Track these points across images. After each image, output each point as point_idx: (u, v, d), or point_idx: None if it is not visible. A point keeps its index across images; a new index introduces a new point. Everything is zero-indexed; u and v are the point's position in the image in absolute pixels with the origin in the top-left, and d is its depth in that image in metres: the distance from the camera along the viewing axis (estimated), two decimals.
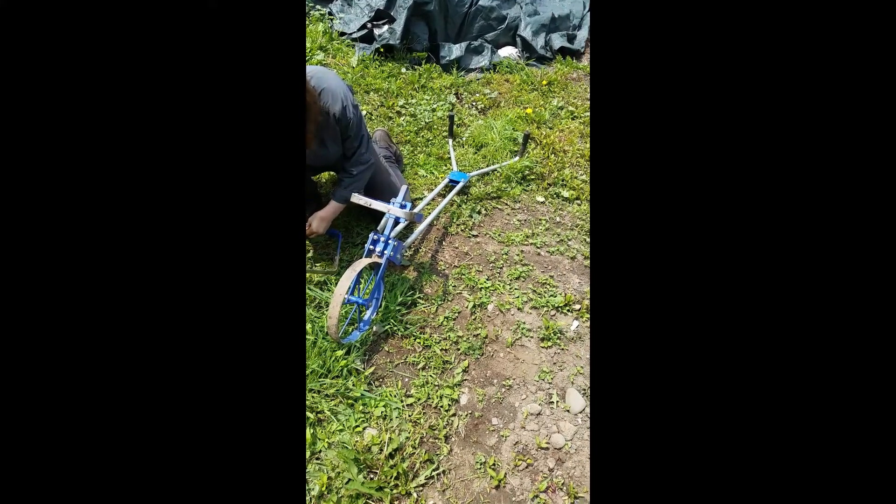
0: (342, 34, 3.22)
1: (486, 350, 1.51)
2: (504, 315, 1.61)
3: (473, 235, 1.92)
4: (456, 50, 3.02)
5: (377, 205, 1.44)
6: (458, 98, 2.78)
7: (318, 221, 1.64)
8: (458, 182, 2.06)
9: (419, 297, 1.64)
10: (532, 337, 1.55)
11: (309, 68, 1.51)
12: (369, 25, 3.20)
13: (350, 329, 1.50)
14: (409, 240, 1.66)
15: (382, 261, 1.48)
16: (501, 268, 1.78)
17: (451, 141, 2.39)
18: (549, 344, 1.53)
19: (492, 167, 2.24)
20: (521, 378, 1.44)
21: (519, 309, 1.63)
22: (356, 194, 1.45)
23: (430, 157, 2.31)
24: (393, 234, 1.54)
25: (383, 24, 3.19)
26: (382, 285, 1.58)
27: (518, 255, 1.83)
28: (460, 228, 1.95)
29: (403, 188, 1.58)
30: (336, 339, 1.38)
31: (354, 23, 3.24)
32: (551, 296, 1.67)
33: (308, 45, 2.98)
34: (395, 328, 1.53)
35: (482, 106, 2.73)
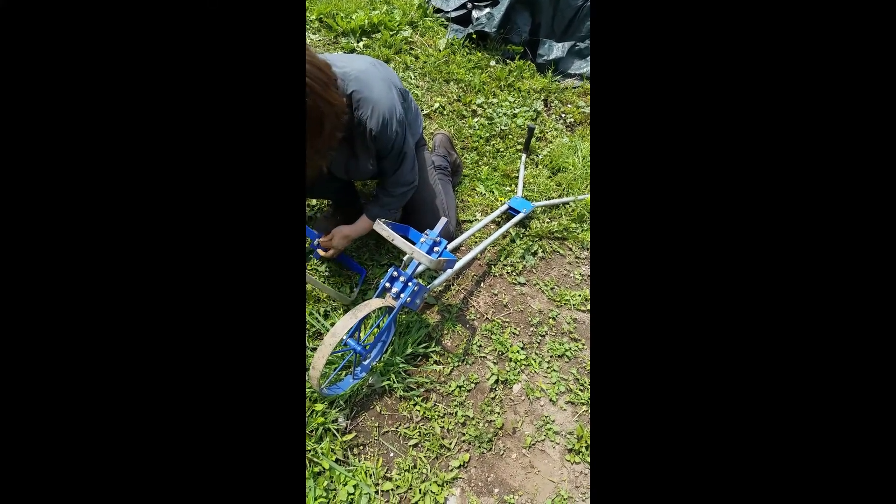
0: (438, 11, 2.92)
1: (496, 445, 1.20)
2: (531, 403, 1.28)
3: (520, 283, 1.59)
4: (557, 49, 2.61)
5: (400, 242, 1.15)
6: (545, 106, 2.40)
7: (340, 238, 1.38)
8: (518, 212, 1.72)
9: (434, 351, 1.35)
10: (558, 443, 1.21)
11: (354, 64, 1.23)
12: (469, 6, 2.87)
13: (342, 375, 1.26)
14: (438, 281, 1.37)
15: (396, 304, 1.20)
16: (543, 336, 1.44)
17: (524, 157, 2.04)
18: (578, 459, 1.18)
19: (564, 199, 1.87)
20: (529, 496, 1.12)
21: (552, 401, 1.29)
22: (380, 222, 1.17)
23: (496, 172, 1.98)
24: (415, 274, 1.25)
25: (484, 6, 2.85)
26: (393, 328, 1.30)
27: (569, 323, 1.48)
28: (506, 270, 1.62)
29: (442, 221, 1.28)
30: (318, 389, 1.13)
31: (454, 1, 2.92)
32: None
33: (397, 18, 2.71)
34: (395, 386, 1.26)
35: (572, 120, 2.33)
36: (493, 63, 2.57)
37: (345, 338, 1.17)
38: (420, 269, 1.31)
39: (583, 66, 2.64)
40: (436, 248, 1.26)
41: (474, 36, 2.67)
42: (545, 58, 2.60)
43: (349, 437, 1.16)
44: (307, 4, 2.63)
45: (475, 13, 2.79)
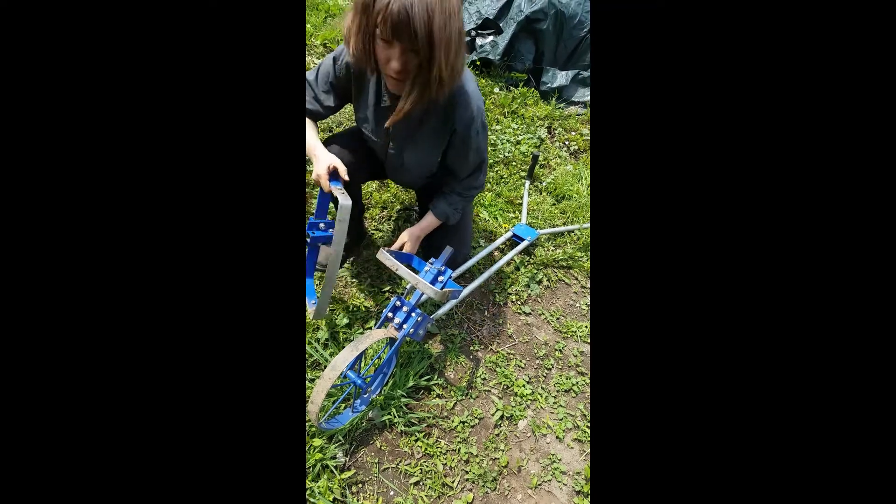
0: None
1: (500, 484, 1.15)
2: (537, 440, 1.24)
3: (525, 313, 1.55)
4: (561, 77, 2.64)
5: (404, 272, 1.13)
6: (549, 133, 2.41)
7: (413, 241, 1.31)
8: (522, 239, 1.70)
9: (437, 384, 1.31)
10: (565, 484, 1.16)
11: None
12: (473, 34, 2.92)
13: (342, 408, 1.21)
14: (442, 310, 1.34)
15: (399, 336, 1.17)
16: (550, 370, 1.40)
17: (527, 184, 2.03)
18: (587, 502, 1.13)
19: (569, 227, 1.86)
20: None
21: (558, 438, 1.24)
22: (384, 251, 1.15)
23: (499, 198, 1.97)
24: (418, 304, 1.22)
25: (488, 34, 2.89)
26: (395, 360, 1.27)
27: (576, 355, 1.44)
28: (511, 299, 1.59)
29: (448, 251, 1.26)
30: (316, 424, 1.09)
31: None
32: None
33: None
34: (396, 420, 1.21)
35: (575, 148, 2.33)
36: (496, 90, 2.59)
37: (345, 370, 1.14)
38: (423, 298, 1.28)
39: (586, 94, 2.66)
40: (440, 278, 1.24)
41: (478, 63, 2.71)
42: (549, 85, 2.63)
43: (348, 474, 1.11)
44: (312, 30, 2.66)
45: (479, 41, 2.83)
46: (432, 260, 1.26)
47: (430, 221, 1.34)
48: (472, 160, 1.24)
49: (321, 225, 1.26)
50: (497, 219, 1.87)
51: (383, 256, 1.15)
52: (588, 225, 1.88)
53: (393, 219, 1.80)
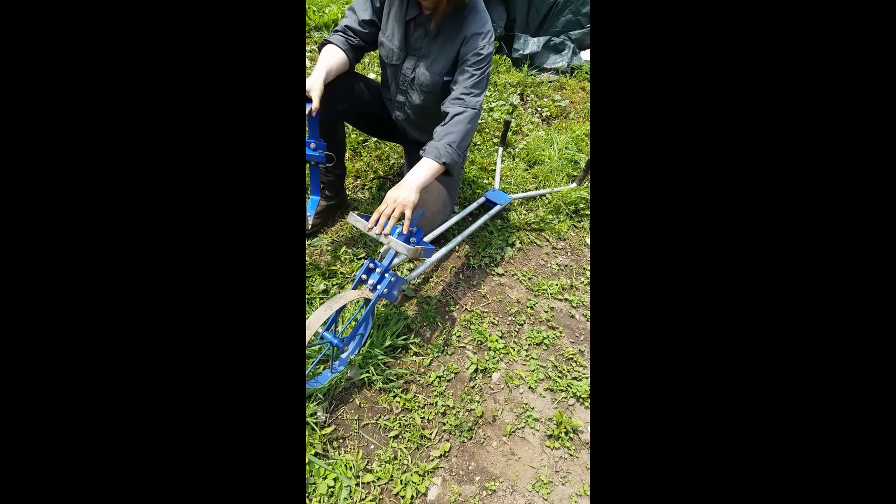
0: None
1: (476, 433, 1.20)
2: (510, 391, 1.29)
3: (498, 273, 1.59)
4: (532, 44, 2.63)
5: (375, 233, 1.15)
6: (521, 100, 2.41)
7: (405, 190, 1.15)
8: (495, 204, 1.73)
9: (413, 342, 1.35)
10: (538, 430, 1.22)
11: None
12: None
13: (321, 369, 1.24)
14: (416, 272, 1.37)
15: (373, 296, 1.20)
16: (522, 325, 1.45)
17: (500, 150, 2.05)
18: (558, 445, 1.20)
19: (540, 191, 1.89)
20: (510, 482, 1.13)
21: (531, 388, 1.30)
22: (353, 214, 1.16)
23: (473, 165, 1.98)
24: (392, 266, 1.25)
25: None
26: (371, 321, 1.30)
27: (546, 311, 1.49)
28: (485, 261, 1.62)
29: (419, 211, 1.28)
30: None
31: None
32: (574, 379, 1.33)
33: None
34: (375, 378, 1.25)
35: (548, 114, 2.35)
36: None
37: (321, 331, 1.16)
38: (397, 260, 1.31)
39: (558, 61, 2.66)
40: (412, 238, 1.26)
41: None
42: (521, 52, 2.62)
43: (328, 430, 1.15)
44: None
45: None
46: (402, 221, 1.28)
47: (429, 169, 1.20)
48: (478, 73, 1.32)
49: (311, 144, 1.34)
50: (471, 186, 1.89)
51: (353, 219, 1.16)
52: (559, 188, 1.91)
53: (367, 187, 1.81)
